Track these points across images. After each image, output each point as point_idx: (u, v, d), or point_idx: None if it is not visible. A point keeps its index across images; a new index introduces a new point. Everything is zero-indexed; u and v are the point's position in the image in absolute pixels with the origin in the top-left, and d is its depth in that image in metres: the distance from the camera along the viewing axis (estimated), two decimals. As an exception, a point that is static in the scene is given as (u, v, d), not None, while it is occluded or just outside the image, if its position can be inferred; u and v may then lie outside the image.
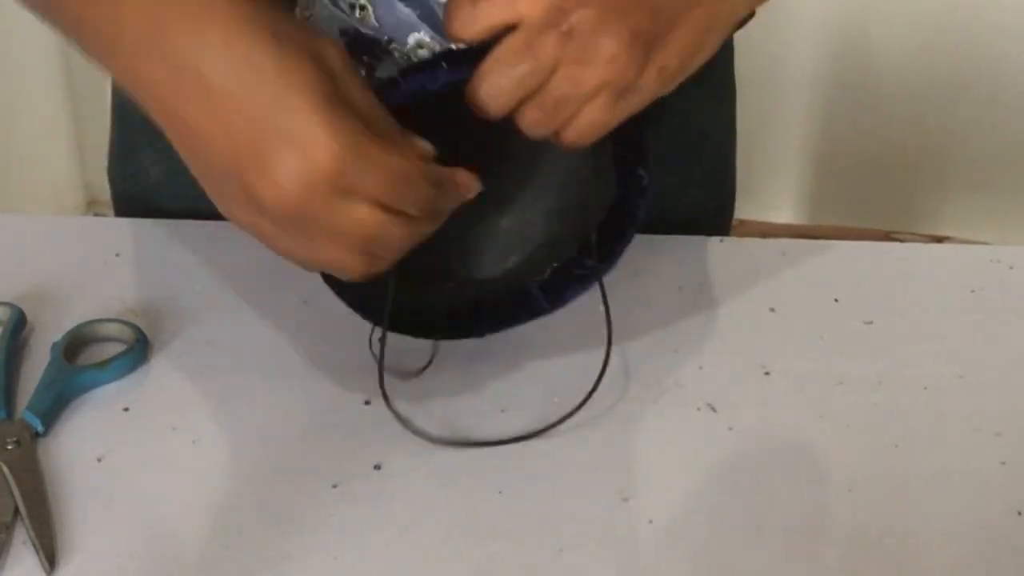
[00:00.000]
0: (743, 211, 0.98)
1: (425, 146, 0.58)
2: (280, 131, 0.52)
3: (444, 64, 0.58)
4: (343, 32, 0.61)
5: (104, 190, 0.93)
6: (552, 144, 0.60)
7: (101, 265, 0.80)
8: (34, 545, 0.60)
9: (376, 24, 0.61)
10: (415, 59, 0.61)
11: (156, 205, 0.86)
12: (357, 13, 0.61)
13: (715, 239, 0.84)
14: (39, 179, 2.12)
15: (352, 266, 0.57)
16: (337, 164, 0.52)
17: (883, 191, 2.21)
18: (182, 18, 0.52)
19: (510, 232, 0.71)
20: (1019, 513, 0.64)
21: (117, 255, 0.81)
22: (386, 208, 0.55)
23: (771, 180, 2.22)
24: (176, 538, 0.61)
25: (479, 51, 0.58)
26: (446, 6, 0.58)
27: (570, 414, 0.67)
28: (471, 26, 0.57)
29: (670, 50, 0.59)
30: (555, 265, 0.69)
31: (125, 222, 0.86)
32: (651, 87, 0.59)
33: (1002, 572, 0.61)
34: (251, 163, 0.52)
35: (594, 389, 0.67)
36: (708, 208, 0.92)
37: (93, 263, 0.80)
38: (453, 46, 0.58)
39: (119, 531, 0.61)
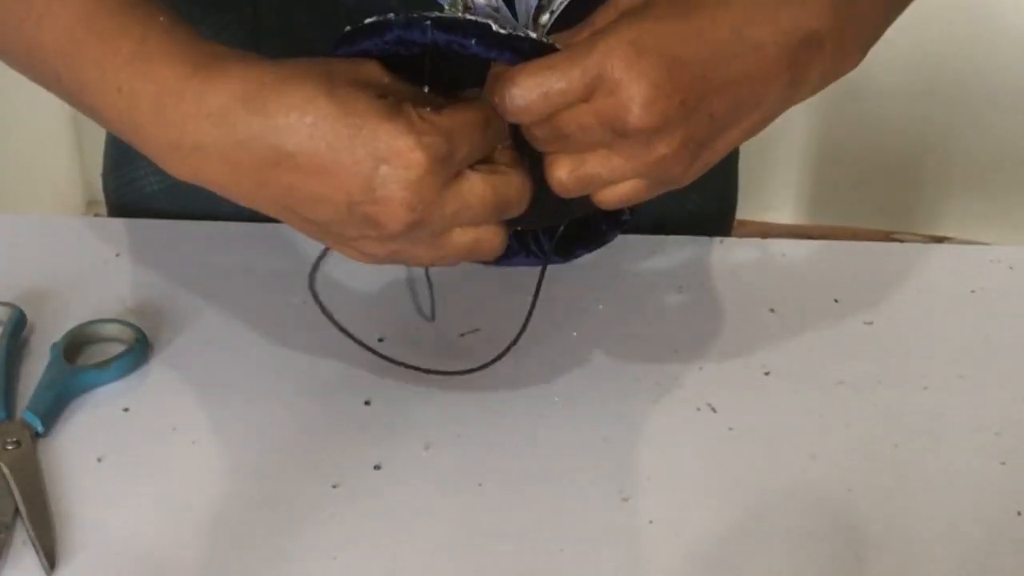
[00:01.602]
0: (743, 211, 0.98)
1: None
2: (369, 159, 0.55)
3: (474, 41, 0.57)
4: None
5: (105, 190, 0.93)
6: None
7: (101, 265, 0.80)
8: (34, 545, 0.60)
9: None
10: (471, 4, 0.61)
11: (152, 214, 0.86)
12: None
13: (715, 239, 0.84)
14: (39, 179, 2.12)
15: (492, 239, 0.59)
16: (427, 152, 0.55)
17: (883, 191, 2.22)
18: (259, 114, 0.55)
19: None
20: (1019, 513, 0.64)
21: (117, 255, 0.81)
22: (491, 170, 0.58)
23: (771, 180, 2.22)
24: (176, 538, 0.61)
25: (514, 39, 0.57)
26: (504, 75, 0.57)
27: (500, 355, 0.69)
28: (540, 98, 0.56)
29: (716, 151, 0.59)
30: (517, 228, 0.67)
31: (125, 222, 0.86)
32: (687, 179, 0.60)
33: (1002, 572, 0.61)
34: (363, 198, 0.55)
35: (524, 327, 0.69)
36: (710, 212, 0.92)
37: (93, 263, 0.80)
38: (493, 25, 0.57)
39: (119, 531, 0.61)
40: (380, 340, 0.73)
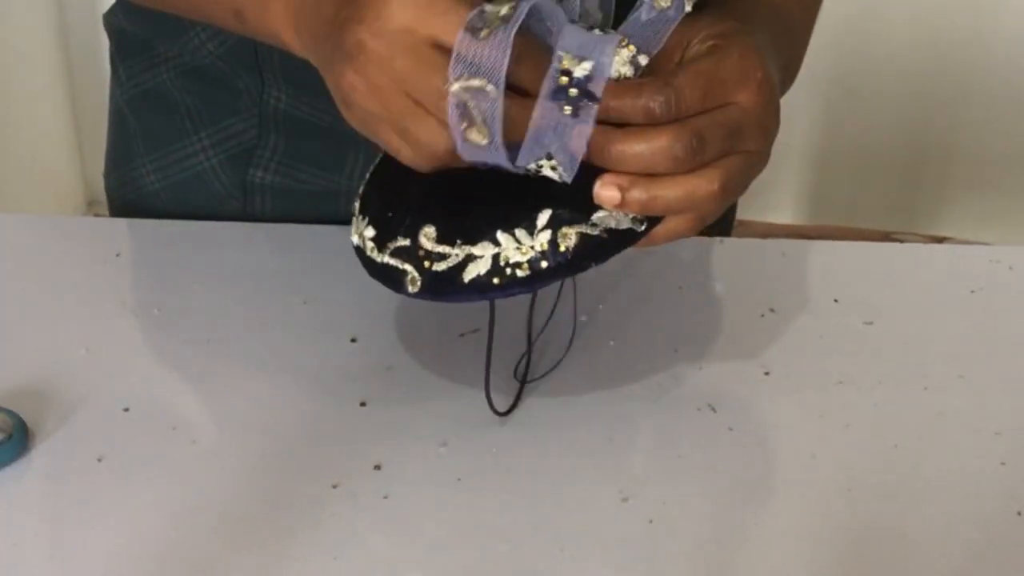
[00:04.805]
0: (743, 211, 0.98)
1: None
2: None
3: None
4: None
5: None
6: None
7: (101, 265, 0.80)
8: None
9: None
10: None
11: (153, 213, 0.86)
12: None
13: (715, 239, 0.84)
14: (39, 179, 2.12)
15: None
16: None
17: (883, 191, 2.21)
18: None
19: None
20: (1019, 513, 0.64)
21: (117, 255, 0.81)
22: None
23: (771, 180, 2.22)
24: (176, 538, 0.61)
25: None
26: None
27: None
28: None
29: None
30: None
31: (125, 222, 0.86)
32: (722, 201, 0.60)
33: (1002, 572, 0.61)
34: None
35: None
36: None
37: (93, 263, 0.80)
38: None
39: (119, 531, 0.61)
40: (380, 342, 0.74)
